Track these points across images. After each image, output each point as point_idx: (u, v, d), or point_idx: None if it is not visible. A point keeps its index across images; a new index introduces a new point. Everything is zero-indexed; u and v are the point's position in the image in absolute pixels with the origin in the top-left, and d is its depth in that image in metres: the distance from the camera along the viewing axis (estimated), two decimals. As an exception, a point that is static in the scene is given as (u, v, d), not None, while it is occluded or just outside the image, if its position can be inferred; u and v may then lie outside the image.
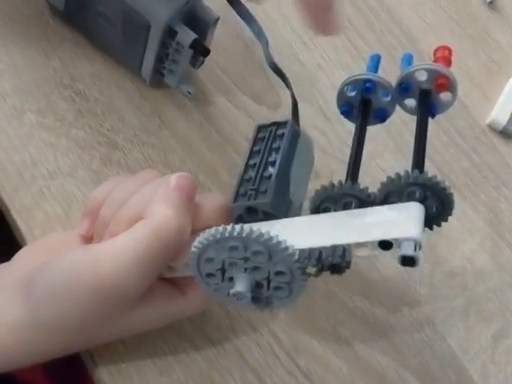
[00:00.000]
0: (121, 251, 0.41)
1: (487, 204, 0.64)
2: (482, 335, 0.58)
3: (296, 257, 0.39)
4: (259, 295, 0.42)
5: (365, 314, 0.55)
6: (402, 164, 0.63)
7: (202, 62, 0.58)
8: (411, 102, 0.50)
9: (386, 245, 0.39)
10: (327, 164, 0.61)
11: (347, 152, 0.62)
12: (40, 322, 0.41)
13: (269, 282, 0.41)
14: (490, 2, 0.76)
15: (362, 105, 0.50)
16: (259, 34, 0.61)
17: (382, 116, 0.51)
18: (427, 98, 0.49)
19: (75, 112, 0.55)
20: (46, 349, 0.43)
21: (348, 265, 0.40)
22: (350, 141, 0.62)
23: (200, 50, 0.53)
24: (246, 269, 0.41)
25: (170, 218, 0.41)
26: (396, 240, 0.38)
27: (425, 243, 0.58)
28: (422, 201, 0.41)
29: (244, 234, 0.39)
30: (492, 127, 0.69)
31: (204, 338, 0.49)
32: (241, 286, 0.41)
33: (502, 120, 0.68)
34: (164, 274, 0.45)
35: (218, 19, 0.55)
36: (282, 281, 0.41)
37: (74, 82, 0.56)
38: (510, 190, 0.66)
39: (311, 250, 0.40)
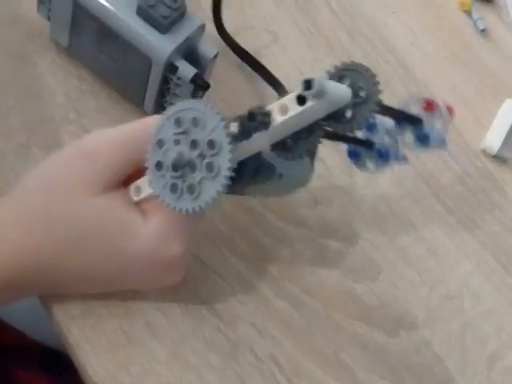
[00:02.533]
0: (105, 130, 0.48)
1: (482, 227, 0.66)
2: (479, 356, 0.59)
3: (223, 120, 0.43)
4: (190, 182, 0.44)
5: (364, 338, 0.56)
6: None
7: (203, 94, 0.60)
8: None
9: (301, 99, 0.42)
10: (325, 191, 0.63)
11: (345, 179, 0.64)
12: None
13: (203, 158, 0.43)
14: (483, 30, 0.78)
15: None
16: (277, 87, 0.63)
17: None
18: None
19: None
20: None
21: (267, 126, 0.43)
22: (347, 168, 0.65)
23: (200, 84, 0.55)
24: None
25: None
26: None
27: (421, 267, 0.60)
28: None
29: (186, 106, 0.44)
30: (486, 152, 0.70)
31: (206, 365, 0.51)
32: (179, 152, 0.44)
33: (495, 145, 0.70)
34: (132, 197, 0.48)
35: (217, 54, 0.57)
36: (211, 153, 0.43)
37: (79, 116, 0.58)
38: (505, 214, 0.68)
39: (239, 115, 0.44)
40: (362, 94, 0.45)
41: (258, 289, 0.56)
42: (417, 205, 0.65)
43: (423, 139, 0.53)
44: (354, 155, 0.56)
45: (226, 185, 0.43)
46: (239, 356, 0.52)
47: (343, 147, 0.64)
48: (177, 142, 0.44)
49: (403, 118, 0.53)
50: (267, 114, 0.43)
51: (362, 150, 0.55)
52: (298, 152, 0.46)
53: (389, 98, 0.68)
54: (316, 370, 0.53)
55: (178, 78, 0.54)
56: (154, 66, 0.53)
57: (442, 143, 0.54)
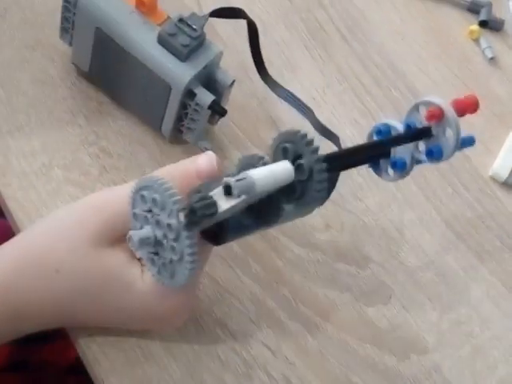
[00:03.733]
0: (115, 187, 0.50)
1: (491, 253, 0.67)
2: (488, 382, 0.60)
3: (177, 205, 0.42)
4: (162, 260, 0.44)
5: (375, 361, 0.57)
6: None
7: (219, 119, 0.61)
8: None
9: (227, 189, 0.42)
10: (337, 215, 0.64)
11: (356, 204, 0.65)
12: None
13: (167, 240, 0.43)
14: (491, 58, 0.80)
15: None
16: (302, 110, 0.64)
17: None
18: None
19: (100, 168, 0.58)
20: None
21: (212, 216, 0.41)
22: (359, 193, 0.66)
23: (217, 110, 0.57)
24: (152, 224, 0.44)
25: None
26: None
27: (431, 291, 0.61)
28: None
29: (149, 183, 0.43)
30: (494, 179, 0.71)
31: (222, 384, 0.52)
32: (143, 232, 0.43)
33: (504, 172, 0.71)
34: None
35: (233, 81, 0.58)
36: (171, 237, 0.43)
37: (98, 139, 0.59)
38: (513, 240, 0.69)
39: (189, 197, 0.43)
40: (307, 169, 0.44)
41: (272, 310, 0.57)
42: (427, 230, 0.66)
43: (434, 154, 0.51)
44: (373, 164, 0.54)
45: (193, 268, 0.43)
46: (253, 376, 0.53)
47: (354, 171, 0.66)
48: (146, 219, 0.44)
49: (412, 139, 0.52)
50: (210, 206, 0.41)
51: (381, 160, 0.54)
52: (270, 214, 0.45)
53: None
54: (329, 392, 0.54)
55: (197, 104, 0.56)
56: (173, 92, 0.55)
57: (470, 141, 0.52)
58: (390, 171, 0.54)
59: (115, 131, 0.60)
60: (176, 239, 0.43)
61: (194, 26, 0.54)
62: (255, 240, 0.59)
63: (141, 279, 0.47)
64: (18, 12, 0.63)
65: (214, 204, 0.41)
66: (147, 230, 0.44)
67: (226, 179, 0.42)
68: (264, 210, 0.45)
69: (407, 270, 0.63)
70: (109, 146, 0.59)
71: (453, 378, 0.59)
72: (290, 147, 0.45)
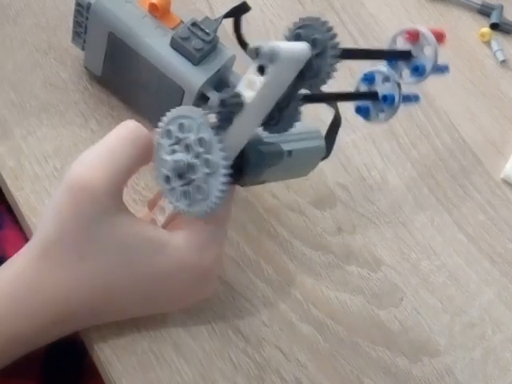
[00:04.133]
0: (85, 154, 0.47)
1: (503, 255, 0.67)
2: (500, 384, 0.60)
3: (204, 114, 0.44)
4: (196, 183, 0.45)
5: (387, 364, 0.57)
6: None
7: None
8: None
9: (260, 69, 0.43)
10: (349, 218, 0.64)
11: (368, 207, 0.65)
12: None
13: (199, 157, 0.45)
14: (503, 61, 0.80)
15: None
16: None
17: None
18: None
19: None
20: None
21: (241, 106, 0.43)
22: (370, 196, 0.66)
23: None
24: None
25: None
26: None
27: (443, 294, 0.61)
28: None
29: (171, 116, 0.46)
30: (506, 181, 0.71)
31: (234, 387, 0.52)
32: (175, 156, 0.45)
33: (516, 175, 0.71)
34: (158, 219, 0.49)
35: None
36: (204, 151, 0.44)
37: (110, 142, 0.60)
38: (525, 242, 0.69)
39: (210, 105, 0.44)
40: (320, 44, 0.46)
41: (284, 312, 0.57)
42: (439, 233, 0.66)
43: (418, 70, 0.54)
44: (362, 111, 0.57)
45: (228, 174, 0.44)
46: (266, 378, 0.53)
47: (366, 174, 0.66)
48: (174, 152, 0.46)
49: (392, 57, 0.55)
50: (237, 95, 0.43)
51: (369, 104, 0.57)
52: (285, 122, 0.47)
53: (409, 126, 0.70)
54: (341, 394, 0.55)
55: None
56: (186, 95, 0.55)
57: (444, 69, 0.56)
58: (381, 115, 0.57)
59: (127, 135, 0.60)
60: (208, 150, 0.44)
61: (207, 30, 0.54)
62: (267, 242, 0.60)
63: (171, 237, 0.47)
64: (29, 16, 0.63)
65: (239, 94, 0.43)
66: (178, 155, 0.45)
67: (252, 45, 0.43)
68: (281, 115, 0.46)
69: (418, 272, 0.63)
70: (121, 149, 0.59)
71: (465, 380, 0.59)
72: (303, 31, 0.47)
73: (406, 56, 0.55)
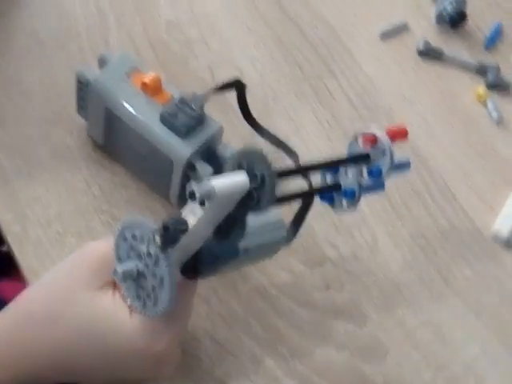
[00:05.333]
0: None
1: (489, 311, 0.69)
2: None
3: (153, 230, 0.47)
4: (146, 291, 0.49)
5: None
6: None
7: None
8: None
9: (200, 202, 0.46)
10: (337, 276, 0.67)
11: (357, 265, 0.68)
12: None
13: (148, 268, 0.48)
14: (498, 121, 0.82)
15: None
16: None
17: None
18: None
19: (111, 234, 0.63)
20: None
21: (184, 232, 0.46)
22: (359, 254, 0.69)
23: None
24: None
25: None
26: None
27: (427, 349, 0.63)
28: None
29: (129, 223, 0.49)
30: (495, 238, 0.73)
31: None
32: (126, 265, 0.49)
33: (505, 232, 0.73)
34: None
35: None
36: (151, 263, 0.48)
37: (111, 207, 0.64)
38: (514, 299, 0.70)
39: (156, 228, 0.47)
40: (260, 178, 0.48)
41: (270, 369, 0.60)
42: (427, 289, 0.68)
43: (373, 174, 0.58)
44: (327, 198, 0.60)
45: (174, 290, 0.48)
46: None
47: (356, 234, 0.69)
48: (129, 256, 0.50)
49: (352, 162, 0.58)
50: (181, 222, 0.46)
51: (333, 193, 0.60)
52: (233, 234, 0.50)
53: (401, 185, 0.72)
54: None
55: (198, 176, 0.60)
56: (175, 166, 0.60)
57: (405, 167, 0.60)
58: (344, 203, 0.59)
59: (127, 200, 0.65)
60: (156, 264, 0.48)
61: (194, 107, 0.59)
62: (256, 299, 0.63)
63: (129, 320, 0.51)
64: (41, 91, 0.69)
65: (184, 221, 0.46)
66: (130, 263, 0.49)
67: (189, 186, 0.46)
68: (230, 229, 0.50)
69: (404, 327, 0.65)
70: (120, 214, 0.64)
71: None
72: (244, 162, 0.49)
73: (364, 159, 0.59)
